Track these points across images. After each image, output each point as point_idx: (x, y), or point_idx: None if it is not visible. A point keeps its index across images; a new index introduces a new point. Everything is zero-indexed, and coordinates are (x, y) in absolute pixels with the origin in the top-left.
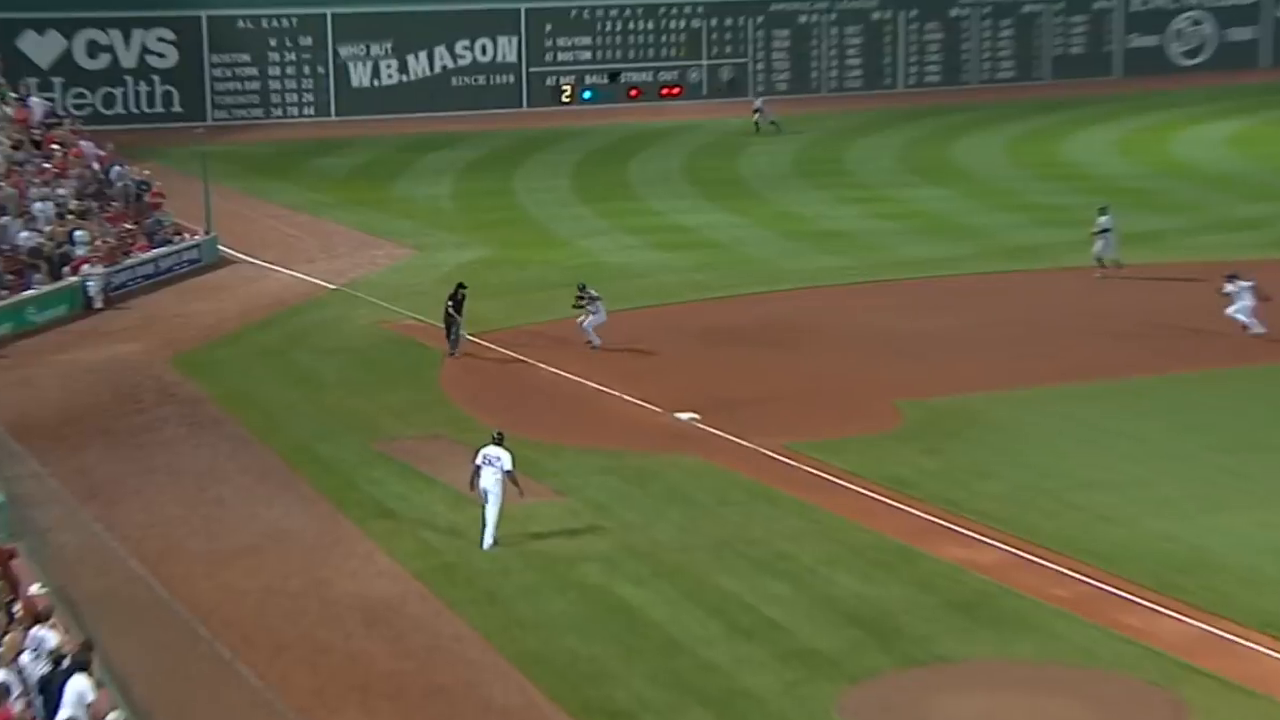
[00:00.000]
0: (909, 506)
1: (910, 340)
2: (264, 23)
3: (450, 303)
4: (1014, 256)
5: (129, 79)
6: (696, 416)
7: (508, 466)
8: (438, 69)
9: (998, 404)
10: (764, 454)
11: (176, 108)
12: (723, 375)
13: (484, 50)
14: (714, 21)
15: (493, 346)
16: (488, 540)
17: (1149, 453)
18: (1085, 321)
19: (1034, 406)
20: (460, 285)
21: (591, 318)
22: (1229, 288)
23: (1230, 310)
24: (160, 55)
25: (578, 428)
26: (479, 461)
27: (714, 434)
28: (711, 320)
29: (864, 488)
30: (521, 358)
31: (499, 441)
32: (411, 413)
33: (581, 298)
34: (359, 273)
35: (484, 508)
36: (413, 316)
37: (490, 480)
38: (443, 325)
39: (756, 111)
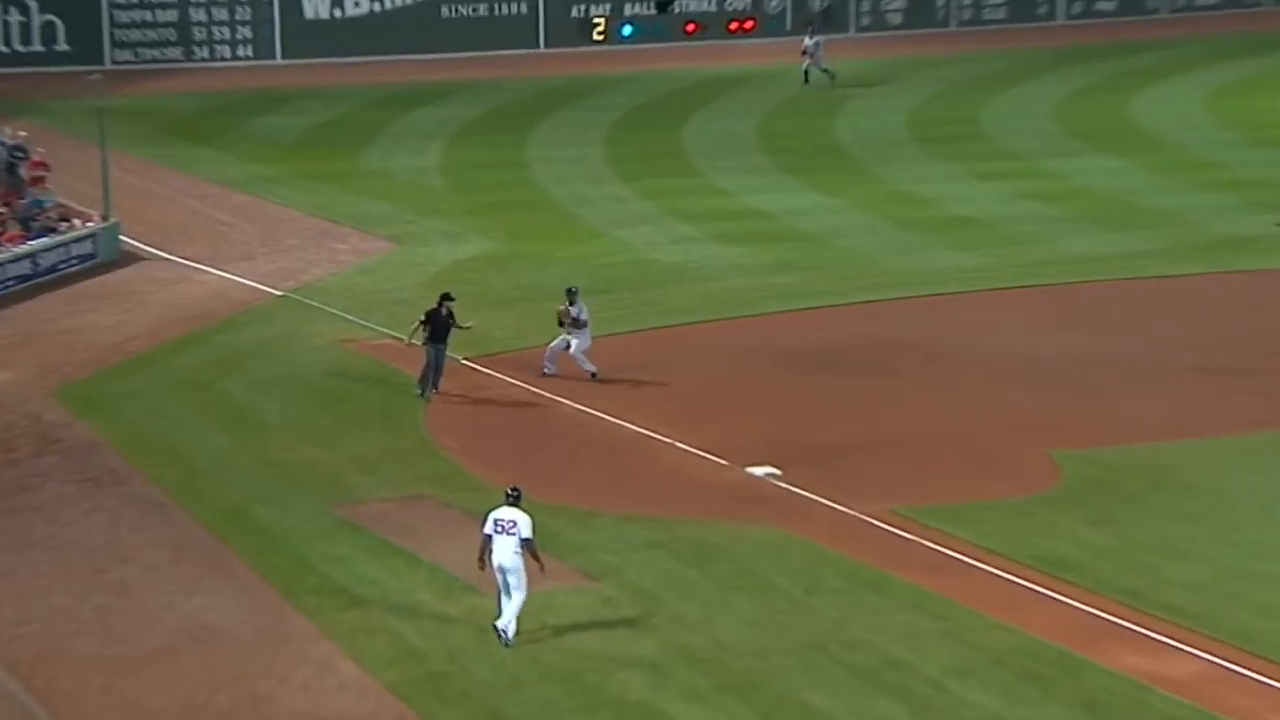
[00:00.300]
0: (1070, 598)
1: (1072, 367)
2: None
3: (424, 323)
4: (1217, 252)
5: None
6: (776, 472)
7: (525, 534)
8: None
9: (1194, 456)
10: (868, 523)
11: (62, 45)
12: (812, 415)
13: None
14: None
15: (497, 375)
16: (509, 625)
17: None
18: None
19: (1245, 461)
20: (444, 297)
21: (576, 342)
22: None
23: None
24: None
25: (614, 487)
26: (489, 529)
27: (799, 495)
28: (797, 339)
29: (1007, 571)
30: (537, 390)
31: (514, 501)
32: (386, 466)
33: (570, 314)
34: (315, 274)
35: (499, 592)
36: (389, 334)
37: (506, 553)
38: (422, 352)
39: (806, 54)
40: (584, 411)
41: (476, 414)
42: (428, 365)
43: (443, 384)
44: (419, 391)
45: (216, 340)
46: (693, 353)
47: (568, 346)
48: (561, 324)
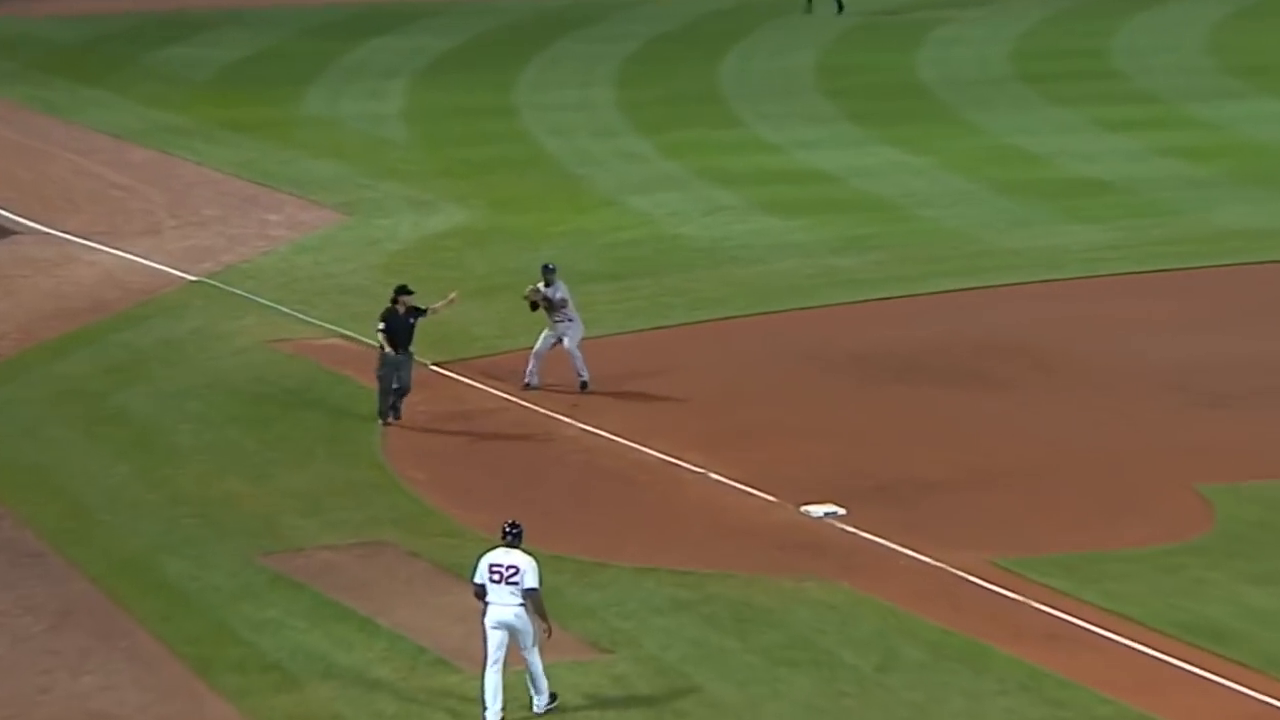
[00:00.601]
0: (1226, 678)
1: (1228, 377)
2: None
3: (383, 327)
4: None
5: None
6: (839, 511)
7: (531, 582)
8: None
9: None
10: (960, 578)
11: None
12: (886, 438)
13: None
14: None
15: (476, 385)
16: (542, 695)
17: None
18: None
19: None
20: (400, 291)
21: (569, 337)
22: None
23: None
24: None
25: (629, 531)
26: (481, 578)
27: (870, 542)
28: (867, 339)
29: (1144, 642)
30: (528, 404)
31: (514, 540)
32: (333, 504)
33: (541, 293)
34: (239, 254)
35: (486, 663)
36: (337, 332)
37: (508, 608)
38: (377, 365)
39: None
40: (590, 432)
41: (450, 436)
42: (382, 386)
43: (407, 400)
44: (381, 418)
45: (111, 339)
46: (731, 356)
47: (556, 343)
48: (535, 308)
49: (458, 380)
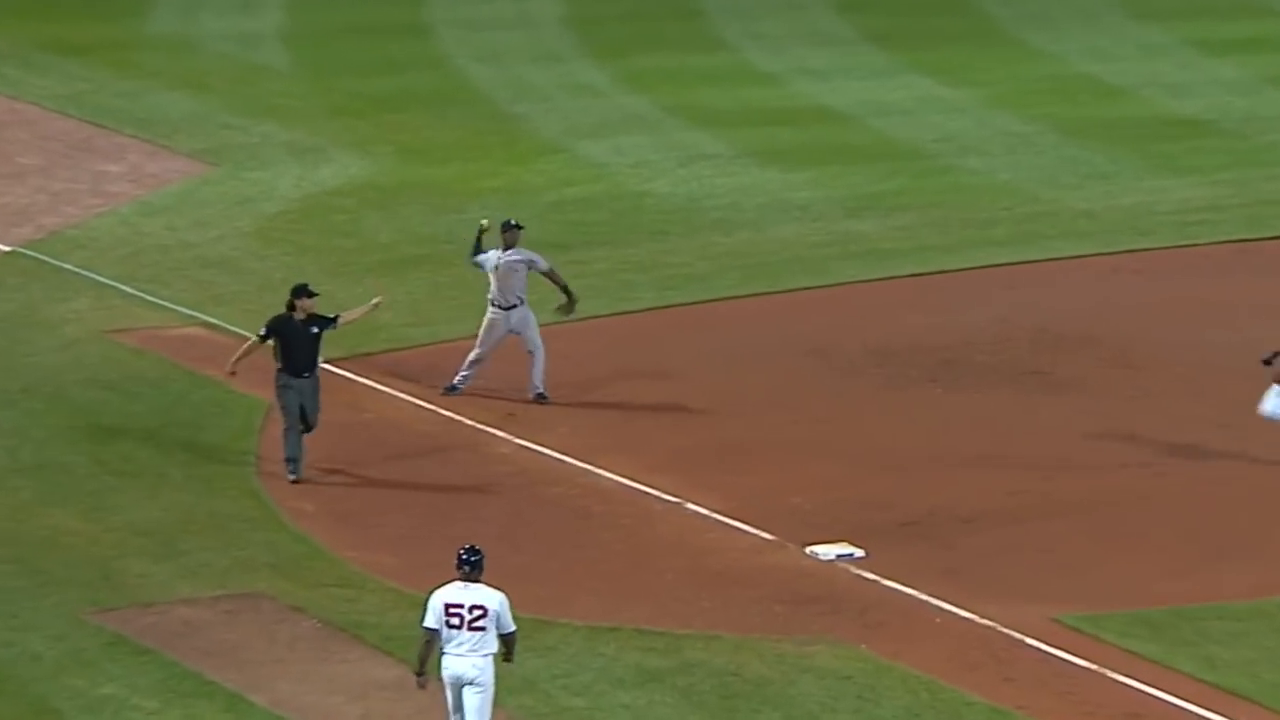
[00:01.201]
0: None
1: None
2: None
3: (265, 336)
4: None
5: None
6: (857, 553)
7: (509, 625)
8: None
9: None
10: (1015, 640)
11: None
12: (918, 457)
13: None
14: None
15: (382, 388)
16: None
17: None
18: None
19: None
20: (297, 293)
21: (526, 334)
22: None
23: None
24: None
25: (583, 579)
26: (436, 621)
27: (896, 593)
28: (892, 328)
29: None
30: (450, 413)
31: (473, 570)
32: (192, 544)
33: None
34: (67, 216)
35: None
36: (197, 319)
37: (466, 659)
38: (277, 391)
39: None
40: (531, 450)
41: (347, 456)
42: (288, 420)
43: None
44: (290, 473)
45: None
46: (715, 351)
47: (506, 335)
48: (481, 248)
49: (355, 381)
